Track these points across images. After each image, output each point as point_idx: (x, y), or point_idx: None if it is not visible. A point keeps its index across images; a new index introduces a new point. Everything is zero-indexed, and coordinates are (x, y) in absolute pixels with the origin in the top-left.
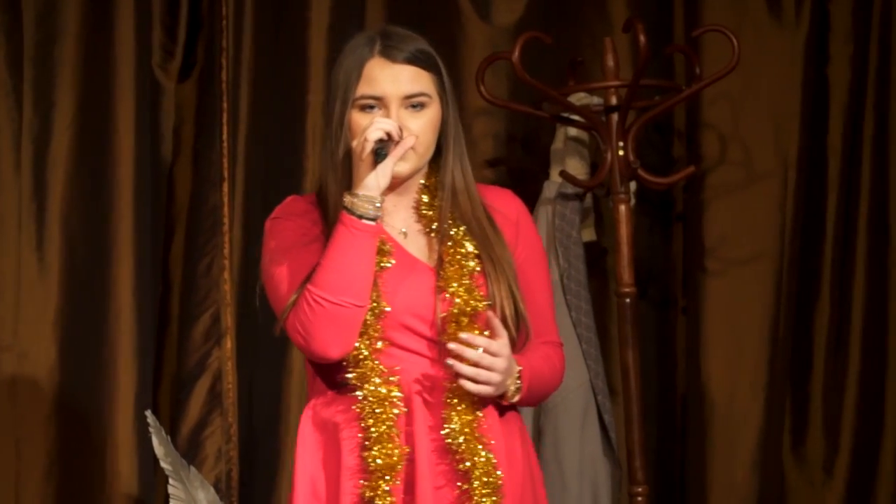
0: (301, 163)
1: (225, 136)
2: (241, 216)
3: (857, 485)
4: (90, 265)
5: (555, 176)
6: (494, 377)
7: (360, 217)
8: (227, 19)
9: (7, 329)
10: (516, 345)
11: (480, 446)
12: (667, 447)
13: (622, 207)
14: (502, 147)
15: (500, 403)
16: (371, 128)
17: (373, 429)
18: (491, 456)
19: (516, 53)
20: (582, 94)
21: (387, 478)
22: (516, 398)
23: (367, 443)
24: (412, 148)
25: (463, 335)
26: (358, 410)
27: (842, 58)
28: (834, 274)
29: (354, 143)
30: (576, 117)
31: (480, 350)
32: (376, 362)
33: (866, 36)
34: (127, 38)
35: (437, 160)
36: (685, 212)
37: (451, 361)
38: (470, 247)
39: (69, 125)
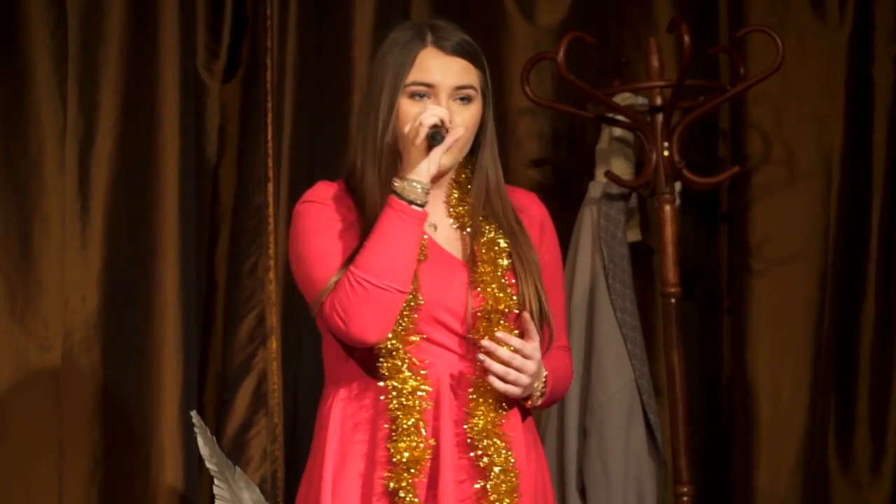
0: (345, 162)
1: (269, 136)
2: (285, 216)
3: None
4: (134, 265)
5: (600, 176)
6: (523, 378)
7: (410, 202)
8: (271, 19)
9: (51, 328)
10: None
11: (502, 444)
12: (712, 447)
13: (667, 207)
14: (547, 147)
15: (522, 406)
16: (426, 113)
17: (401, 421)
18: (510, 455)
19: (561, 54)
20: (627, 95)
21: (412, 470)
22: (539, 402)
23: (393, 435)
24: (455, 140)
25: (499, 334)
26: (386, 402)
27: (886, 57)
28: (879, 273)
29: (406, 129)
30: (620, 117)
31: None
32: (408, 355)
33: None
34: (171, 38)
35: (469, 157)
36: (730, 211)
37: (482, 357)
38: (504, 244)
39: (113, 125)
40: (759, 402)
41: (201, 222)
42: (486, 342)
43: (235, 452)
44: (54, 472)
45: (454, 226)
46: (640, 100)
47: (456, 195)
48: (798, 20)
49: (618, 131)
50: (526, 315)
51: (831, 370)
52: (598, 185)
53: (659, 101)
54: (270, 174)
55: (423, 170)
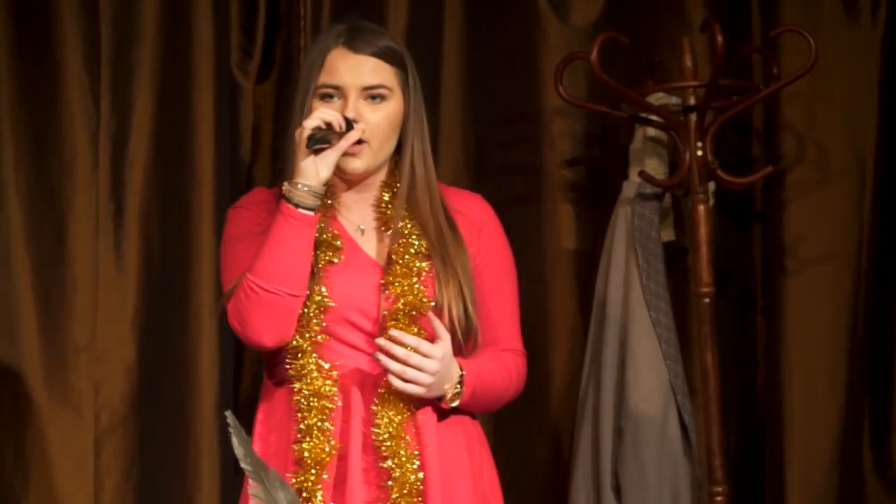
0: None
1: None
2: None
3: None
4: (169, 265)
5: (634, 176)
6: (423, 377)
7: (297, 206)
8: (304, 19)
9: (85, 329)
10: (463, 349)
11: (402, 446)
12: (746, 447)
13: (701, 207)
14: (581, 147)
15: (440, 406)
16: (311, 117)
17: (305, 422)
18: (413, 455)
19: (594, 54)
20: (660, 94)
21: (314, 470)
22: (456, 403)
23: (298, 435)
24: (366, 143)
25: (393, 332)
26: (294, 403)
27: None
28: None
29: (296, 133)
30: (654, 117)
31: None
32: (315, 356)
33: None
34: (205, 38)
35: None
36: (764, 211)
37: (377, 355)
38: (418, 244)
39: (147, 125)
40: (794, 402)
41: None
42: (380, 340)
43: None
44: (89, 472)
45: (380, 228)
46: (674, 100)
47: (386, 197)
48: (831, 20)
49: (651, 131)
50: (431, 315)
51: (866, 370)
52: (631, 184)
53: (692, 100)
54: None
55: (308, 173)
